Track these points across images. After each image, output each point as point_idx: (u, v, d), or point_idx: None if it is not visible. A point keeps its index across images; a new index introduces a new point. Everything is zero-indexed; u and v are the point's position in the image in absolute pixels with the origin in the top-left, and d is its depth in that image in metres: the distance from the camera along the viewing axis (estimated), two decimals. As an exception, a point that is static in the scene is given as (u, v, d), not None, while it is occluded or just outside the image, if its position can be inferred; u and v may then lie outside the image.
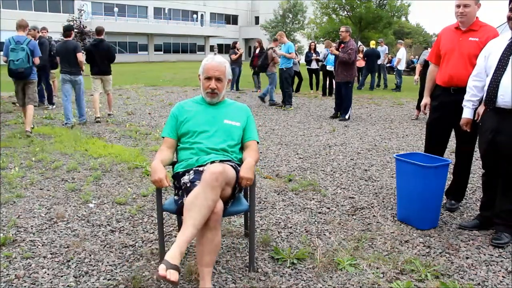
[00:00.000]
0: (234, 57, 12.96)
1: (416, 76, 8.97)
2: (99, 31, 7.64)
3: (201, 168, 2.38)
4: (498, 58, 2.83)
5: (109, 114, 7.97)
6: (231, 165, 2.33)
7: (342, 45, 8.09)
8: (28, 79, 6.23)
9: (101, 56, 7.44)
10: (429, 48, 8.22)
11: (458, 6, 3.28)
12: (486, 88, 2.90)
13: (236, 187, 2.36)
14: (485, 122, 2.96)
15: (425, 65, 8.12)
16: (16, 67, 6.01)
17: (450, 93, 3.38)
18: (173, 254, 1.96)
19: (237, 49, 13.11)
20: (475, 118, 3.09)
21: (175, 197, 2.45)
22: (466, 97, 3.10)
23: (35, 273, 2.45)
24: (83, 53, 7.17)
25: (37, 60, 6.24)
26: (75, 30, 21.91)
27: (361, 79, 14.83)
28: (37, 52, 6.24)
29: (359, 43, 18.75)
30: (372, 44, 15.24)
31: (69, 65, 6.92)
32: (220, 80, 2.56)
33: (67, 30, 7.06)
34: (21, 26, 6.21)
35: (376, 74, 15.54)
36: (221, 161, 2.41)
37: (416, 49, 35.59)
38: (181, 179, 2.41)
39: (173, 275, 1.89)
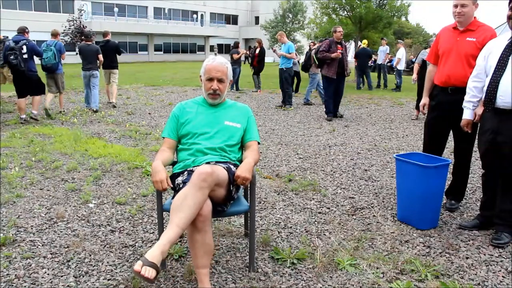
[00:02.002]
0: (236, 56, 12.97)
1: (414, 76, 8.99)
2: (105, 33, 9.51)
3: (195, 169, 2.38)
4: (498, 58, 2.83)
5: (111, 102, 9.48)
6: (224, 166, 2.32)
7: (340, 46, 8.08)
8: (56, 72, 8.00)
9: (109, 54, 9.20)
10: (427, 48, 8.22)
11: (455, 6, 3.28)
12: (485, 88, 2.90)
13: (232, 188, 2.36)
14: (485, 123, 2.96)
15: (423, 65, 8.15)
16: (45, 63, 7.81)
17: (448, 93, 3.38)
18: (153, 253, 1.93)
19: (239, 48, 13.13)
20: (474, 119, 3.10)
21: (172, 199, 2.45)
22: (466, 98, 3.10)
23: (35, 273, 2.45)
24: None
25: (63, 56, 8.03)
26: (75, 30, 22.00)
27: (356, 79, 14.84)
28: (63, 50, 8.01)
29: (359, 43, 18.73)
30: (364, 43, 15.20)
31: (90, 63, 8.68)
32: (222, 81, 2.55)
33: (91, 36, 9.15)
34: (53, 34, 8.16)
35: (377, 74, 15.54)
36: (216, 162, 2.41)
37: (416, 49, 35.55)
38: (176, 180, 2.41)
39: (148, 272, 1.86)
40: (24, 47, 6.87)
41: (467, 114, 3.10)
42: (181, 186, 2.31)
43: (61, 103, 8.49)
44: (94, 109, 8.62)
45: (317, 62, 8.16)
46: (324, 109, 8.39)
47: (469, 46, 3.26)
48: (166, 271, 2.49)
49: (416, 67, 8.74)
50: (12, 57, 6.69)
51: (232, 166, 2.40)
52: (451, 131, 3.54)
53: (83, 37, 8.94)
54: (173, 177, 2.46)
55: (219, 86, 2.54)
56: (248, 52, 13.59)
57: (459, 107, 3.20)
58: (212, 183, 2.14)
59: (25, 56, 6.88)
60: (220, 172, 2.23)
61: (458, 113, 3.20)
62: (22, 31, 7.29)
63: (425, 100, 3.69)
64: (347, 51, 8.23)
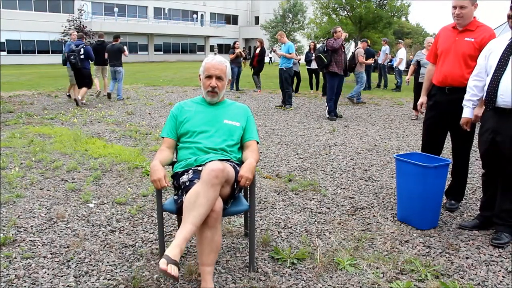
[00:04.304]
0: (232, 56, 12.95)
1: (408, 77, 9.06)
2: (101, 35, 11.16)
3: (200, 168, 2.38)
4: (498, 57, 2.83)
5: (104, 95, 10.94)
6: (230, 165, 2.33)
7: (342, 45, 8.21)
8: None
9: (103, 52, 10.58)
10: (424, 49, 8.25)
11: (454, 7, 3.28)
12: (486, 88, 2.90)
13: (235, 187, 2.36)
14: (485, 122, 2.96)
15: (418, 65, 8.19)
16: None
17: (445, 93, 3.38)
18: (173, 251, 1.97)
19: (236, 49, 13.09)
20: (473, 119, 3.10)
21: (175, 197, 2.45)
22: (466, 96, 3.10)
23: (35, 273, 2.45)
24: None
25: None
26: (75, 30, 22.14)
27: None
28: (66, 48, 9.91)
29: (359, 43, 18.74)
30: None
31: (115, 60, 10.47)
32: (220, 79, 2.56)
33: (116, 37, 10.78)
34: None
35: (377, 74, 15.52)
36: (219, 160, 2.41)
37: (416, 49, 35.58)
38: (180, 178, 2.41)
39: (174, 270, 1.91)
40: (82, 50, 9.07)
41: (467, 113, 3.10)
42: (187, 184, 2.30)
43: (69, 89, 10.54)
44: (120, 99, 10.48)
45: (325, 60, 8.17)
46: (327, 109, 8.36)
47: (467, 46, 3.26)
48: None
49: (411, 68, 8.76)
50: (72, 57, 8.96)
51: (236, 165, 2.41)
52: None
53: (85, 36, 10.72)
54: (176, 176, 2.46)
55: (217, 84, 2.55)
56: (243, 53, 13.55)
57: (456, 107, 3.21)
58: (223, 180, 2.16)
59: (82, 56, 9.03)
60: (229, 169, 2.24)
61: (456, 113, 3.21)
62: (81, 37, 9.74)
63: (422, 99, 3.70)
64: (347, 51, 8.37)
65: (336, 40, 8.02)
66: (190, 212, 2.07)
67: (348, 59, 10.75)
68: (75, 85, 9.84)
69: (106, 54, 10.54)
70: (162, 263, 1.90)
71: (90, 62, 9.58)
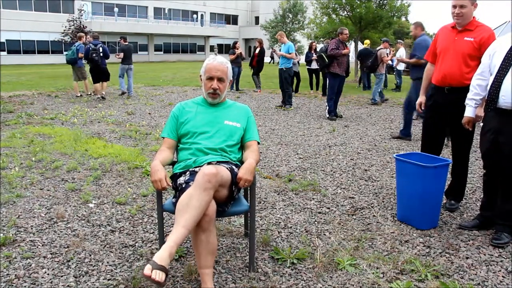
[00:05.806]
0: (232, 57, 12.94)
1: None
2: (96, 36, 11.60)
3: (197, 169, 2.37)
4: (502, 58, 2.82)
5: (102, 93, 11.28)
6: (227, 167, 2.32)
7: (346, 46, 8.21)
8: (75, 65, 10.85)
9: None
10: None
11: (454, 6, 3.28)
12: (488, 87, 2.90)
13: (233, 189, 2.36)
14: (487, 123, 2.96)
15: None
16: (67, 58, 10.79)
17: (444, 93, 3.38)
18: (161, 255, 1.94)
19: (236, 49, 13.08)
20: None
21: (173, 199, 2.45)
22: (469, 95, 3.10)
23: (35, 273, 2.45)
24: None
25: (80, 55, 10.62)
26: (75, 30, 22.13)
27: (363, 80, 14.80)
28: (81, 50, 10.57)
29: (359, 43, 18.74)
30: (366, 43, 15.19)
31: (128, 59, 11.32)
32: (222, 81, 2.56)
33: (125, 39, 11.62)
34: (78, 37, 11.34)
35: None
36: (218, 162, 2.41)
37: (416, 49, 35.50)
38: (178, 180, 2.41)
39: (158, 275, 1.87)
40: (101, 48, 10.26)
41: (469, 112, 3.09)
42: (183, 186, 2.30)
43: (86, 87, 11.44)
44: (131, 95, 11.40)
45: (327, 60, 8.19)
46: (327, 109, 8.36)
47: (466, 46, 3.26)
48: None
49: None
50: (94, 55, 10.11)
51: (234, 167, 2.40)
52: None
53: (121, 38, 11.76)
54: (174, 177, 2.46)
55: (219, 86, 2.54)
56: (243, 54, 13.63)
57: (455, 107, 3.21)
58: (216, 184, 2.14)
59: (101, 54, 10.24)
60: (224, 172, 2.23)
61: (455, 113, 3.21)
62: (97, 37, 10.81)
63: (421, 98, 3.70)
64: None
65: (337, 49, 7.99)
66: (182, 215, 2.06)
67: (370, 60, 10.82)
68: (79, 81, 10.94)
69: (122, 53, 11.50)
70: (147, 268, 1.87)
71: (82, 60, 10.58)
